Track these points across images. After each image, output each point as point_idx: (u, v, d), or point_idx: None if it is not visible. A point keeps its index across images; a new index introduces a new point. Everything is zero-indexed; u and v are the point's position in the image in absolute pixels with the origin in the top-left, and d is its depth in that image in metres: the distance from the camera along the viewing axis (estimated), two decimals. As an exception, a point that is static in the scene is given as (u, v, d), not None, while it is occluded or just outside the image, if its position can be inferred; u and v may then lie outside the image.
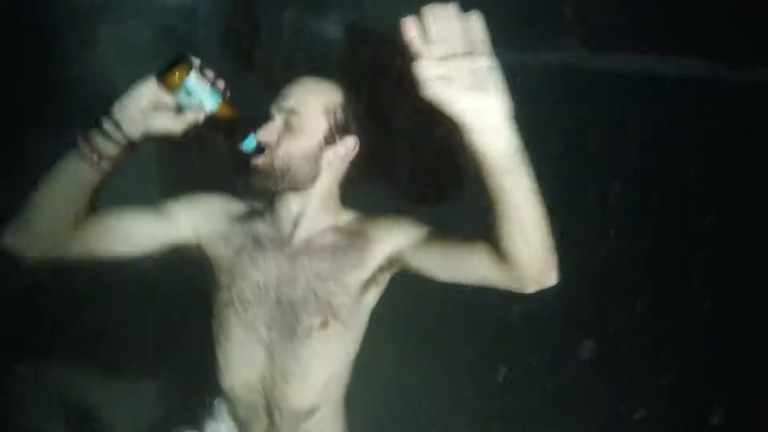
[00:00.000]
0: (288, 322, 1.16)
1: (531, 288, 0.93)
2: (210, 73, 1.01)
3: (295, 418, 1.20)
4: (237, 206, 1.24)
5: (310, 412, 1.21)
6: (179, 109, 1.00)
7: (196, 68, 0.98)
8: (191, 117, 1.00)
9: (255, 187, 1.15)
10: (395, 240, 1.16)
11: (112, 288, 1.88)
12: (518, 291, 0.94)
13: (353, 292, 1.17)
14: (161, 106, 1.00)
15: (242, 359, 1.18)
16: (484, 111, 0.74)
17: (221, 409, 1.29)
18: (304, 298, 1.16)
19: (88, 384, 1.93)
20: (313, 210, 1.18)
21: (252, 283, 1.17)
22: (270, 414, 1.20)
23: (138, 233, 1.15)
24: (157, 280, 1.82)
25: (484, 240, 0.94)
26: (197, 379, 1.27)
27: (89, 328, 1.95)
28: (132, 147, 1.02)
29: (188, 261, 1.22)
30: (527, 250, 0.86)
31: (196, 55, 1.01)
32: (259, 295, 1.17)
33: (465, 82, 0.71)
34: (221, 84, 1.02)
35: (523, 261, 0.88)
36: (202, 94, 0.99)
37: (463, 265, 1.02)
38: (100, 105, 1.01)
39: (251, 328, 1.17)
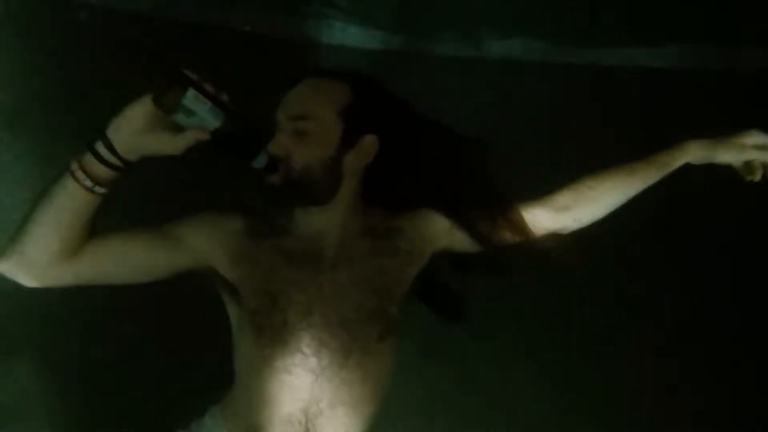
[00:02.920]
0: (340, 342, 1.06)
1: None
2: (210, 88, 0.91)
3: None
4: (257, 224, 1.13)
5: None
6: (179, 128, 0.91)
7: (194, 84, 0.89)
8: (193, 137, 0.90)
9: (275, 205, 1.07)
10: (440, 229, 1.15)
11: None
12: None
13: (406, 292, 1.12)
14: (159, 126, 0.91)
15: (285, 390, 1.06)
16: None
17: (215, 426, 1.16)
18: (357, 314, 1.07)
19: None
20: (343, 219, 1.11)
21: (293, 304, 1.06)
22: None
23: (141, 260, 1.04)
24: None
25: (541, 206, 1.19)
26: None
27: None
28: (128, 168, 0.94)
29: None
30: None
31: (194, 70, 0.91)
32: (303, 317, 1.06)
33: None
34: (224, 98, 0.93)
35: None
36: (202, 112, 0.89)
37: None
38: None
39: (297, 355, 1.06)
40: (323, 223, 1.10)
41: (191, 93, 0.88)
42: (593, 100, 2.06)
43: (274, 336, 1.06)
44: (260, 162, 0.99)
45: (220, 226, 1.11)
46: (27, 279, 0.96)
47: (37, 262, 0.94)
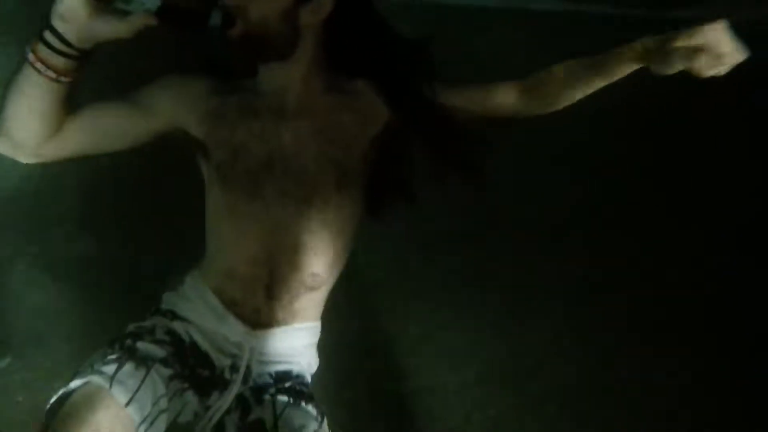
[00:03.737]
0: (300, 190, 1.13)
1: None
2: None
3: (296, 294, 1.17)
4: (223, 83, 1.18)
5: (314, 287, 1.19)
6: (124, 13, 0.93)
7: None
8: (138, 21, 0.92)
9: (237, 62, 1.11)
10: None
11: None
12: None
13: (364, 151, 1.17)
14: (104, 12, 0.92)
15: (249, 234, 1.13)
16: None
17: (196, 287, 1.21)
18: (315, 164, 1.13)
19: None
20: (304, 75, 1.13)
21: (256, 155, 1.12)
22: (269, 290, 1.15)
23: (121, 128, 1.09)
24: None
25: (517, 88, 1.18)
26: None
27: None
28: (87, 56, 0.95)
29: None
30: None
31: None
32: (266, 167, 1.12)
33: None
34: None
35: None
36: None
37: (486, 102, 1.18)
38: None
39: (260, 202, 1.12)
40: (285, 78, 1.14)
41: None
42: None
43: (236, 185, 1.12)
44: (215, 20, 1.00)
45: (187, 87, 1.16)
46: (23, 158, 1.04)
47: (25, 144, 1.01)
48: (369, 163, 1.19)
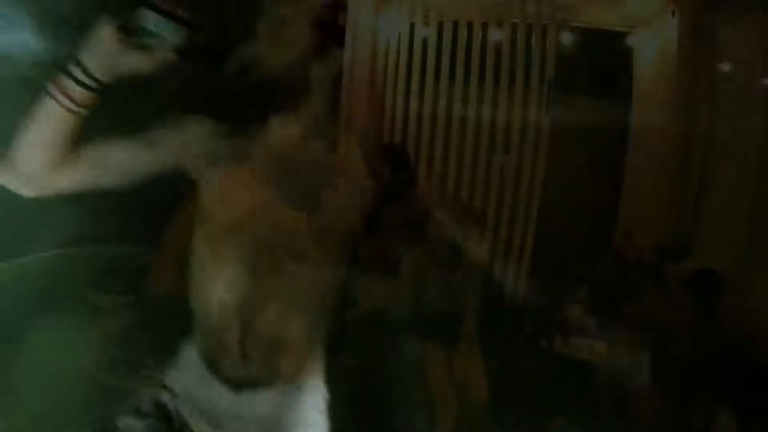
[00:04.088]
0: (276, 245, 1.12)
1: None
2: (167, 6, 0.95)
3: (268, 350, 1.15)
4: (226, 126, 1.17)
5: (284, 346, 1.16)
6: (146, 48, 0.96)
7: (151, 5, 0.93)
8: (159, 56, 0.97)
9: (247, 108, 1.13)
10: None
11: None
12: None
13: (350, 219, 1.16)
14: (128, 47, 0.96)
15: (225, 281, 1.13)
16: None
17: (187, 355, 1.21)
18: (296, 221, 1.12)
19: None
20: (306, 131, 1.14)
21: (240, 203, 1.13)
22: (242, 343, 1.14)
23: (123, 165, 1.10)
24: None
25: None
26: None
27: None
28: (106, 88, 0.99)
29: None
30: None
31: None
32: (247, 217, 1.12)
33: None
34: (184, 14, 0.96)
35: None
36: (162, 31, 0.93)
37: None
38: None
39: (236, 250, 1.12)
40: (288, 131, 1.14)
41: (148, 14, 0.93)
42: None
43: (218, 233, 1.13)
44: (230, 67, 1.03)
45: (191, 128, 1.15)
46: (25, 190, 1.05)
47: (31, 174, 1.02)
48: (353, 231, 1.18)
